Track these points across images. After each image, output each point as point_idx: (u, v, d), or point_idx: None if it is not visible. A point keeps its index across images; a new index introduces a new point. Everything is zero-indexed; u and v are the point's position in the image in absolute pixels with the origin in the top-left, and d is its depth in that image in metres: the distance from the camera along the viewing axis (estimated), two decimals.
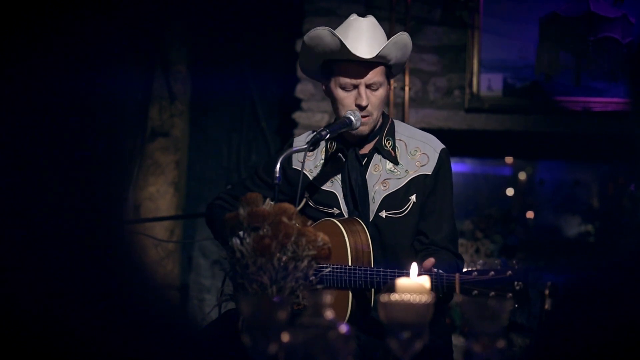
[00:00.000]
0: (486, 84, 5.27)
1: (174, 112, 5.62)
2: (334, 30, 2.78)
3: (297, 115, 5.44)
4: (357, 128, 2.82)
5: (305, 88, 5.44)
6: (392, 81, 2.96)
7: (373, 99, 2.82)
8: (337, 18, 5.35)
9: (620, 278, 1.81)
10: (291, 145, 2.96)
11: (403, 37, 2.82)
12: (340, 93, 2.84)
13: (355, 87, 2.81)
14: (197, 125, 5.87)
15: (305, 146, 2.77)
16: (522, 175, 6.58)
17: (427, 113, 5.29)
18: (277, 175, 2.67)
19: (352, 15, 2.86)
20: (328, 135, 2.79)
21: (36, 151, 1.92)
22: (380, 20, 2.88)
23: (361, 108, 2.81)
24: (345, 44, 2.73)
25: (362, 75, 2.80)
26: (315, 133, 2.80)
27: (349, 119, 2.81)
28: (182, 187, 5.76)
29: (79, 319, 1.87)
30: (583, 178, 6.41)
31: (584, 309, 1.78)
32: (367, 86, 2.81)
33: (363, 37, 2.78)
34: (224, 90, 5.73)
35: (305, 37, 2.82)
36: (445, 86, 5.31)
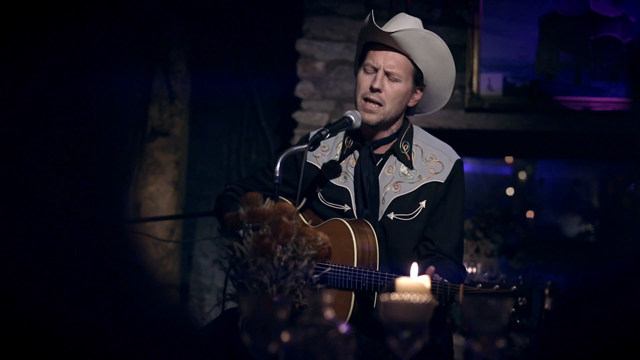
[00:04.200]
0: (486, 83, 5.27)
1: (174, 112, 5.62)
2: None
3: (297, 115, 5.44)
4: (356, 128, 2.82)
5: (305, 87, 5.44)
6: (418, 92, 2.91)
7: (389, 89, 2.81)
8: (337, 18, 5.36)
9: (620, 278, 1.81)
10: (307, 140, 2.95)
11: (437, 42, 2.82)
12: (361, 75, 2.86)
13: (376, 70, 2.82)
14: (197, 125, 5.87)
15: (305, 146, 2.77)
16: (522, 175, 6.58)
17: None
18: (277, 174, 2.67)
19: (402, 12, 2.91)
20: (328, 135, 2.79)
21: (36, 151, 1.92)
22: (379, 20, 2.89)
23: (372, 90, 2.81)
24: (374, 21, 2.75)
25: (384, 59, 2.81)
26: (315, 132, 2.80)
27: (349, 118, 2.81)
28: (182, 186, 5.75)
29: (79, 319, 1.87)
30: (583, 177, 6.41)
31: (584, 309, 1.78)
32: (387, 74, 2.81)
33: (398, 25, 2.81)
34: (224, 90, 5.73)
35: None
36: None
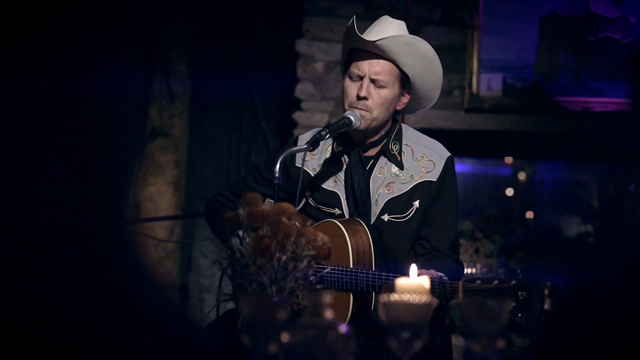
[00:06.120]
0: (486, 84, 5.27)
1: (173, 112, 5.62)
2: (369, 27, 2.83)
3: (297, 115, 5.45)
4: (356, 128, 2.82)
5: (305, 88, 5.44)
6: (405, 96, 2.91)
7: (375, 96, 2.81)
8: (337, 18, 5.36)
9: (620, 278, 1.81)
10: (295, 143, 2.96)
11: (421, 45, 2.80)
12: (347, 82, 2.85)
13: (361, 78, 2.81)
14: (196, 125, 5.87)
15: (305, 146, 2.78)
16: (521, 175, 6.58)
17: (427, 113, 5.25)
18: (277, 175, 2.67)
19: (385, 15, 2.88)
20: (328, 135, 2.79)
21: (36, 151, 1.92)
22: (373, 20, 2.89)
23: (359, 98, 2.80)
24: (356, 28, 2.74)
25: (369, 66, 2.79)
26: (315, 133, 2.80)
27: (349, 118, 2.80)
28: (182, 186, 5.76)
29: (78, 319, 1.87)
30: (583, 178, 6.41)
31: (584, 309, 1.78)
32: (373, 81, 2.80)
33: (380, 28, 2.79)
34: (223, 90, 5.73)
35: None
36: (445, 86, 5.30)
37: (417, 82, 2.86)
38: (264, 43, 5.77)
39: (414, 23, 5.14)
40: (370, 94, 2.80)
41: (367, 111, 2.81)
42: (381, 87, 2.81)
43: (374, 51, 2.78)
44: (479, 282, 2.53)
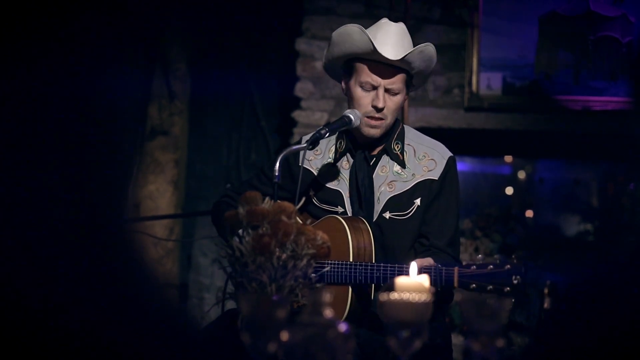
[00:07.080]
0: (486, 82, 5.27)
1: (173, 111, 5.62)
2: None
3: (297, 114, 5.45)
4: (356, 127, 2.83)
5: (304, 87, 5.44)
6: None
7: (390, 104, 2.84)
8: (336, 17, 5.36)
9: (619, 277, 1.81)
10: (299, 143, 2.98)
11: (429, 49, 2.84)
12: (359, 92, 2.85)
13: (375, 88, 2.82)
14: (196, 124, 5.87)
15: (305, 145, 2.79)
16: (521, 174, 6.57)
17: (427, 112, 5.29)
18: (277, 173, 2.68)
19: (383, 19, 2.88)
20: (327, 134, 2.81)
21: (36, 150, 1.92)
22: (379, 19, 2.89)
23: (377, 110, 2.82)
24: (375, 45, 2.74)
25: (384, 77, 2.81)
26: (314, 132, 2.81)
27: (348, 117, 2.82)
28: (182, 185, 5.76)
29: (78, 318, 1.87)
30: (583, 177, 6.40)
31: (583, 308, 1.79)
32: (387, 90, 2.82)
33: (390, 40, 2.80)
34: (223, 89, 5.73)
35: (334, 33, 2.84)
36: (445, 85, 5.31)
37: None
38: (263, 42, 5.77)
39: (414, 22, 5.14)
40: (385, 102, 2.82)
41: (383, 119, 2.84)
42: (395, 94, 2.84)
43: (389, 63, 2.79)
44: (474, 267, 2.56)
